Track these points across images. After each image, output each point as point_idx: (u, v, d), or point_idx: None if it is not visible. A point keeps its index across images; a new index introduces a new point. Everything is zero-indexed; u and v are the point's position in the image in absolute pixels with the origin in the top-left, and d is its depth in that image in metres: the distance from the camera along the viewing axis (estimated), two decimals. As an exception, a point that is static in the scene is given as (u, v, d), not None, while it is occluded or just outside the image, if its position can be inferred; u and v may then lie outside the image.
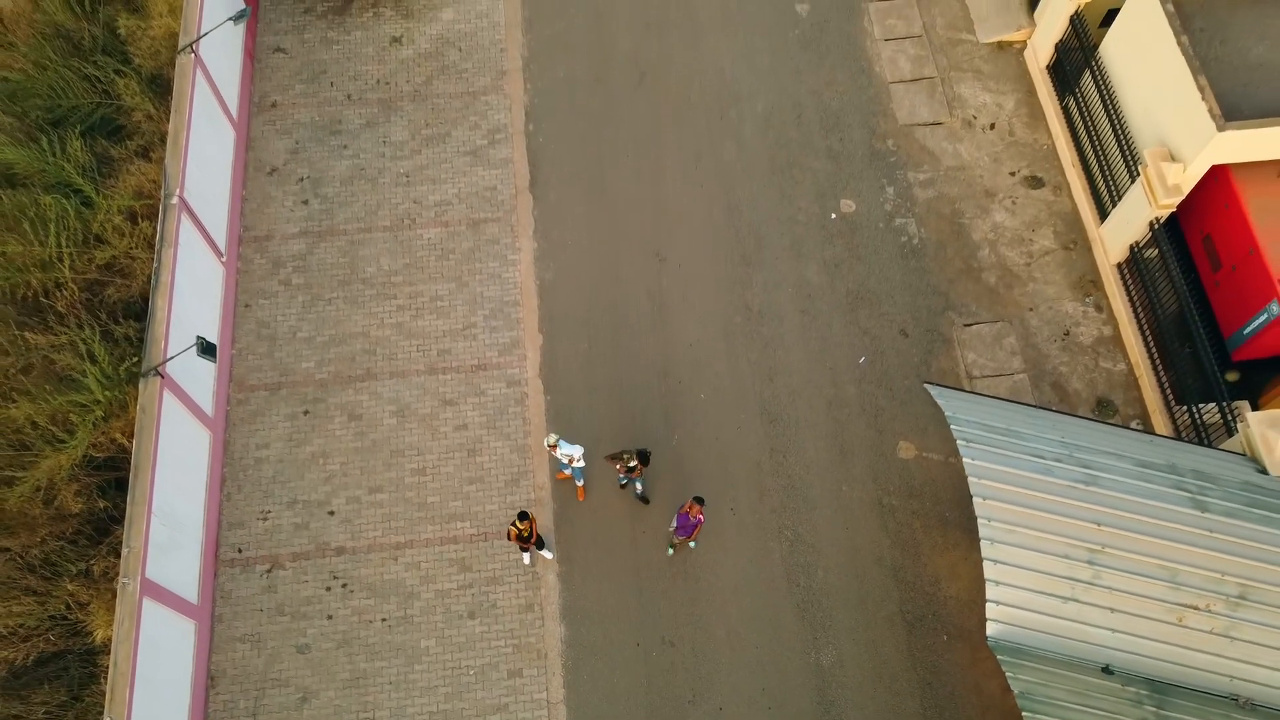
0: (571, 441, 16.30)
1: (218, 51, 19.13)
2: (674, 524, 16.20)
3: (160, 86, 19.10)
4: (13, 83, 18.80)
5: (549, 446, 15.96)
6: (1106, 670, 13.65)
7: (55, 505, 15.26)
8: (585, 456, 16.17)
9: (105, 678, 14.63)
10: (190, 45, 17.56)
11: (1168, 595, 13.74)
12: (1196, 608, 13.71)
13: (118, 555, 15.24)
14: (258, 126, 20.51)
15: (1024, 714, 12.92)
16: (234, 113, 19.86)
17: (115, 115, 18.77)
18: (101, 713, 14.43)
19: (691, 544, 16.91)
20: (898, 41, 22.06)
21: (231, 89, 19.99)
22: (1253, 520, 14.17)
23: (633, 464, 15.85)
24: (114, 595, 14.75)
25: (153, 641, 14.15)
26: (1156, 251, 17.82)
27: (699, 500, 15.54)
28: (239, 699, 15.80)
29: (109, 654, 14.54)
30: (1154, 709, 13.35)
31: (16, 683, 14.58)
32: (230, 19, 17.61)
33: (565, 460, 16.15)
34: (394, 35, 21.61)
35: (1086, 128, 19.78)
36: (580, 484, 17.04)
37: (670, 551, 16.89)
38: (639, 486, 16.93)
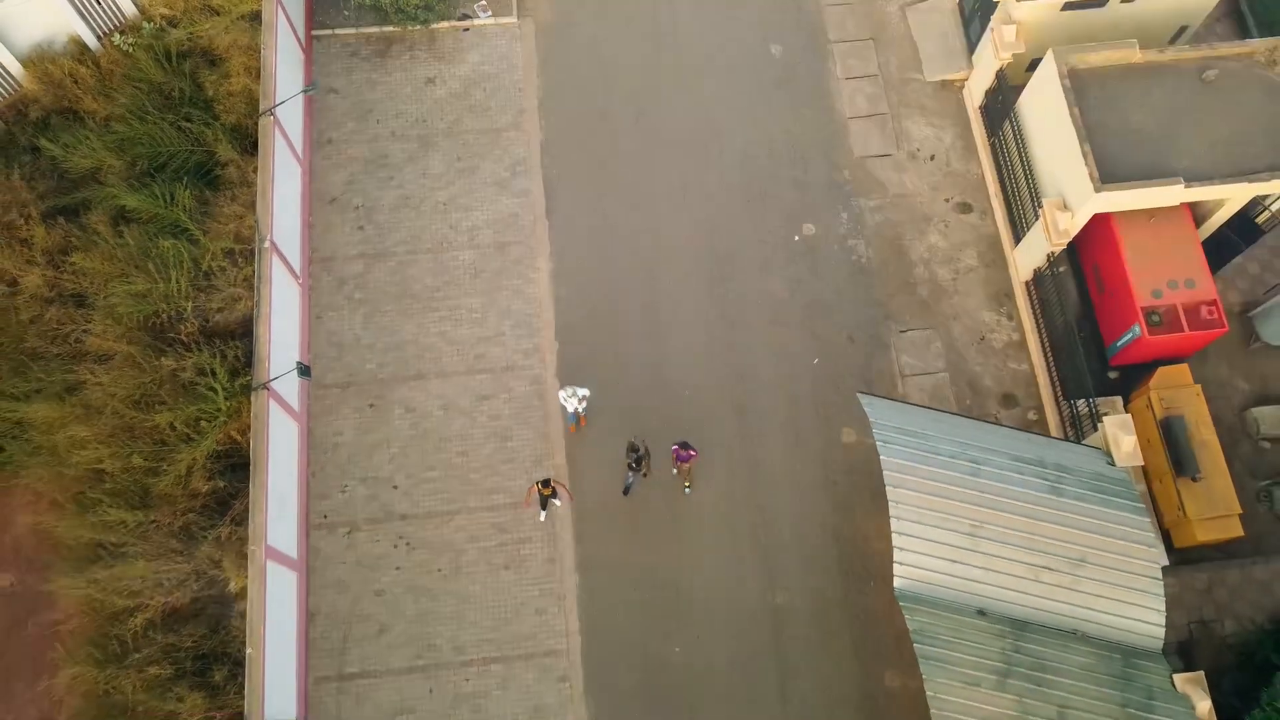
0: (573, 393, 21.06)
1: (286, 97, 22.97)
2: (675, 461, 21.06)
3: (240, 134, 23.14)
4: (120, 133, 22.83)
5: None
6: (980, 613, 18.50)
7: (188, 488, 19.98)
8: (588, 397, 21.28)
9: (236, 617, 19.60)
10: (270, 110, 21.54)
11: (1028, 559, 18.52)
12: (1049, 568, 18.52)
13: (238, 524, 20.03)
14: (317, 161, 24.55)
15: (915, 645, 17.85)
16: (300, 151, 23.86)
17: (206, 161, 22.86)
18: (234, 644, 19.46)
19: (686, 486, 21.68)
20: (856, 80, 25.93)
21: (297, 129, 23.93)
22: (1095, 503, 18.90)
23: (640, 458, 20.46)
24: (239, 553, 19.60)
25: (273, 591, 18.97)
26: (1051, 277, 22.13)
27: (684, 444, 20.56)
28: (332, 631, 20.74)
29: (240, 599, 19.48)
30: (1013, 640, 18.24)
31: (172, 619, 19.51)
32: (303, 90, 21.55)
33: (578, 401, 20.79)
34: (428, 76, 25.46)
35: (1005, 166, 23.87)
36: (581, 417, 21.73)
37: (687, 489, 21.66)
38: (630, 477, 21.50)
